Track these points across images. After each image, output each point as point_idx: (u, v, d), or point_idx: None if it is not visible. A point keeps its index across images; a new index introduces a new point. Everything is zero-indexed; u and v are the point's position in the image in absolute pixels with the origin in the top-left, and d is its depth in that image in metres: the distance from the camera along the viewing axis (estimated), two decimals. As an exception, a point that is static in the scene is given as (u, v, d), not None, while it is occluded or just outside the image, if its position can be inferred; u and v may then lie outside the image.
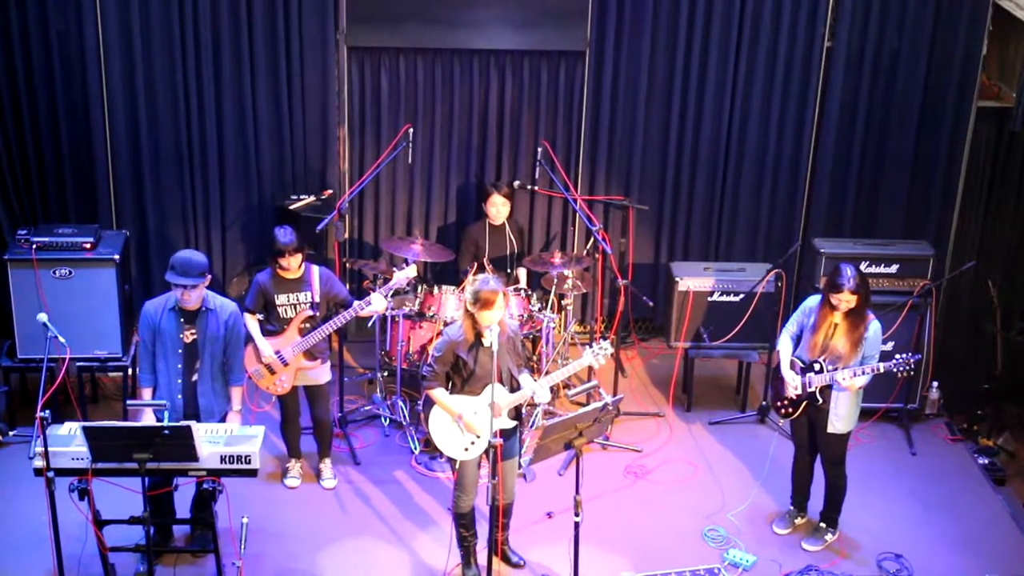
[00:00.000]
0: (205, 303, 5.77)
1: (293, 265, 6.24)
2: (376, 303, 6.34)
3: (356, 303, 6.31)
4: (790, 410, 6.10)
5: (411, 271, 6.55)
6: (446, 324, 6.87)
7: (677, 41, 7.78)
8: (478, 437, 5.58)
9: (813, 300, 6.06)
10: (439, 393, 5.59)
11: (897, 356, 5.86)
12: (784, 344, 6.12)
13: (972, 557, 6.18)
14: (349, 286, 7.89)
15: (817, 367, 5.92)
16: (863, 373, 5.80)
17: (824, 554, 6.17)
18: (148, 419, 5.63)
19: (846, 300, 5.78)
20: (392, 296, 6.80)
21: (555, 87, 7.90)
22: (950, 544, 6.30)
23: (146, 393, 5.78)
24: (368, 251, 8.23)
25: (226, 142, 7.73)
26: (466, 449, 5.61)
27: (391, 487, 6.64)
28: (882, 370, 5.81)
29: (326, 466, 6.66)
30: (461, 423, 5.57)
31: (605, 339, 5.59)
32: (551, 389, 6.36)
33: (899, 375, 5.93)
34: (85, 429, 5.04)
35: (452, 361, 5.55)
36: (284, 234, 6.19)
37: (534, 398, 5.55)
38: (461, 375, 5.56)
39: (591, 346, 5.54)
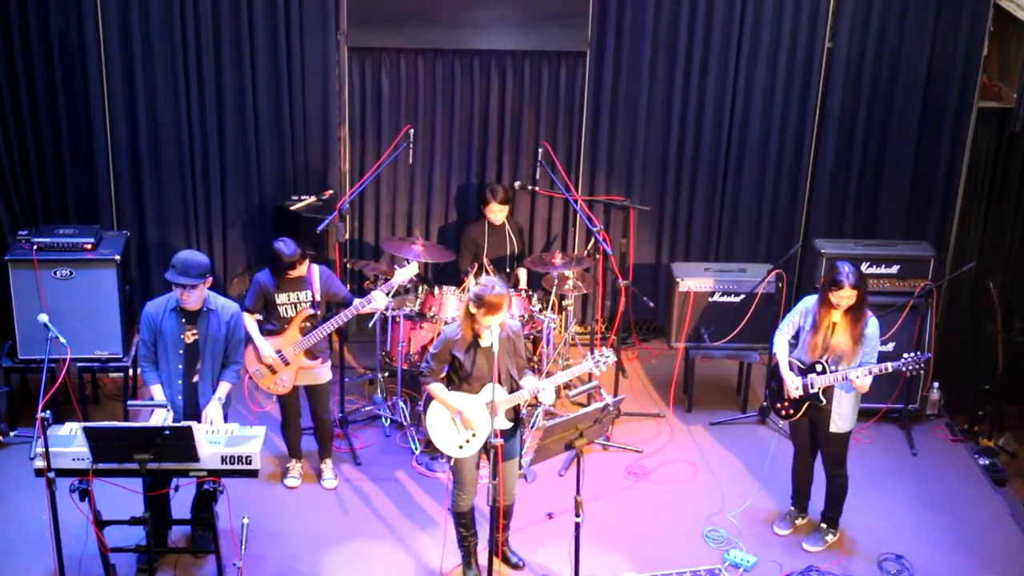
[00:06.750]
0: (207, 304, 5.77)
1: (301, 271, 6.27)
2: (378, 300, 6.36)
3: (357, 301, 6.33)
4: (791, 411, 6.10)
5: (412, 269, 6.56)
6: (446, 324, 6.88)
7: (678, 42, 7.78)
8: (474, 435, 5.58)
9: (810, 301, 6.05)
10: (436, 388, 5.60)
11: (906, 355, 5.87)
12: (781, 346, 6.11)
13: (972, 557, 6.18)
14: (350, 287, 7.89)
15: (819, 368, 5.92)
16: (877, 372, 5.79)
17: (825, 554, 6.17)
18: (156, 418, 5.61)
19: (847, 296, 5.77)
20: (393, 296, 6.80)
21: (556, 87, 7.90)
22: (950, 544, 6.29)
23: (155, 390, 5.76)
24: (369, 252, 8.23)
25: (227, 142, 7.73)
26: (460, 447, 5.62)
27: (392, 487, 6.64)
28: (890, 369, 5.81)
29: (327, 466, 6.67)
30: (460, 419, 5.57)
31: (607, 346, 5.59)
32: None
33: (907, 374, 5.94)
34: (86, 430, 5.04)
35: (448, 360, 5.56)
36: (287, 246, 6.20)
37: (538, 397, 5.54)
38: (459, 374, 5.57)
39: (593, 353, 5.53)
